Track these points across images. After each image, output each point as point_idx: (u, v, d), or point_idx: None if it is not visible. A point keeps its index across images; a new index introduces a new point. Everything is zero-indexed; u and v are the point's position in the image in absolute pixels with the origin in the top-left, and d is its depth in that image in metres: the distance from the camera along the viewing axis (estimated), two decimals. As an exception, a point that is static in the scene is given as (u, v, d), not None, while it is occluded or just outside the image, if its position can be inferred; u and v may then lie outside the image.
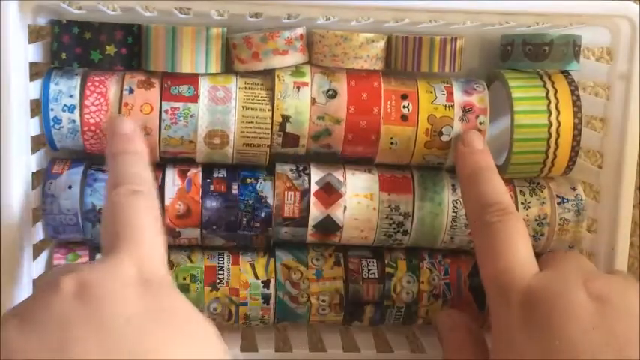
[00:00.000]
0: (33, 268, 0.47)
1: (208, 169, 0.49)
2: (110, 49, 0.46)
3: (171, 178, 0.48)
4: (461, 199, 0.49)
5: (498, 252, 0.41)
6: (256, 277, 0.49)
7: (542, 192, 0.50)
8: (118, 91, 0.47)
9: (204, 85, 0.47)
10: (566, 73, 0.49)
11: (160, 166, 0.48)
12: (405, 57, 0.48)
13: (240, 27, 0.49)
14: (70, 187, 0.47)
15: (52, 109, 0.46)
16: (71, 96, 0.47)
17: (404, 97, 0.48)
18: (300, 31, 0.48)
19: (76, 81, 0.47)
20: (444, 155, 0.49)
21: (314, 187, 0.48)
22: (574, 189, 0.50)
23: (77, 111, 0.47)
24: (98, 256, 0.49)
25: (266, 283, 0.49)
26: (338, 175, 0.49)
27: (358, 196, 0.49)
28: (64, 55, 0.46)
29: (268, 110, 0.47)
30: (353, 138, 0.48)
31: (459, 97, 0.48)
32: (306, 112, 0.47)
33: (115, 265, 0.35)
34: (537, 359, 0.37)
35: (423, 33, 0.48)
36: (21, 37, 0.44)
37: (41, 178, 0.48)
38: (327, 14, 0.48)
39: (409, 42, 0.47)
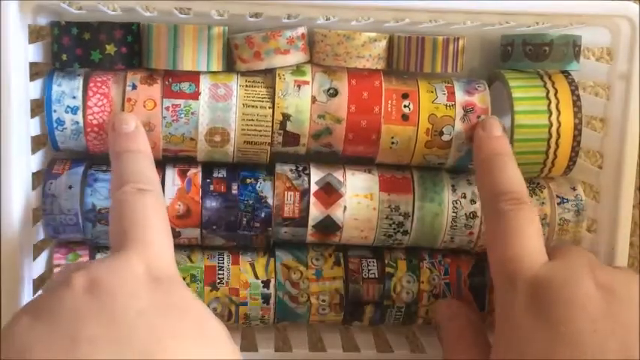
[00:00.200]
0: (33, 268, 0.47)
1: (208, 168, 0.49)
2: (110, 49, 0.46)
3: (171, 178, 0.48)
4: (461, 199, 0.49)
5: (509, 240, 0.41)
6: (256, 277, 0.49)
7: (542, 192, 0.50)
8: (120, 90, 0.47)
9: (205, 83, 0.47)
10: (566, 73, 0.49)
11: (160, 165, 0.48)
12: (408, 57, 0.48)
13: (241, 27, 0.49)
14: (70, 187, 0.47)
15: (54, 111, 0.46)
16: (74, 97, 0.47)
17: (405, 96, 0.48)
18: (301, 30, 0.48)
19: (79, 82, 0.47)
20: (444, 155, 0.49)
21: (314, 187, 0.48)
22: (574, 189, 0.50)
23: (80, 112, 0.47)
24: (98, 255, 0.49)
25: (266, 283, 0.49)
26: (338, 175, 0.49)
27: (358, 196, 0.49)
28: (64, 57, 0.46)
29: (269, 108, 0.47)
30: (353, 137, 0.48)
31: (460, 96, 0.48)
32: (307, 110, 0.47)
33: (125, 262, 0.36)
34: (543, 345, 0.37)
35: (424, 33, 0.48)
36: (21, 37, 0.44)
37: (41, 178, 0.48)
38: (327, 14, 0.48)
39: (412, 42, 0.47)
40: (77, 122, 0.47)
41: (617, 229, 0.48)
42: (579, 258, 0.41)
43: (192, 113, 0.47)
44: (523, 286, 0.39)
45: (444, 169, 0.51)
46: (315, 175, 0.49)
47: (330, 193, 0.48)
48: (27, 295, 0.46)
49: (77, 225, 0.47)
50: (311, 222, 0.48)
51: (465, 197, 0.49)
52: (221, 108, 0.47)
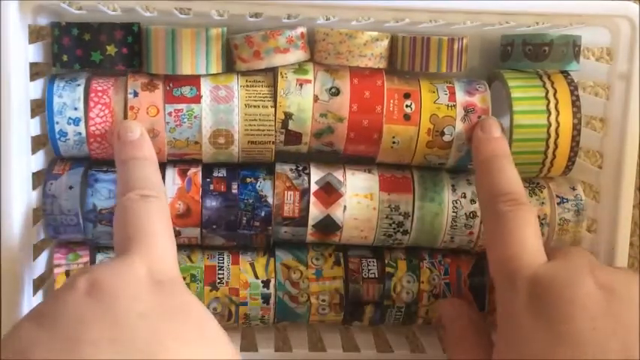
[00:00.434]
0: (33, 268, 0.47)
1: (208, 168, 0.49)
2: (111, 49, 0.46)
3: (171, 177, 0.48)
4: (461, 199, 0.49)
5: (507, 240, 0.42)
6: (256, 277, 0.49)
7: (541, 192, 0.50)
8: (121, 98, 0.47)
9: (206, 86, 0.47)
10: (565, 74, 0.49)
11: (160, 165, 0.48)
12: (413, 57, 0.48)
13: (241, 27, 0.49)
14: (70, 188, 0.47)
15: (57, 123, 0.46)
16: (75, 109, 0.46)
17: (406, 96, 0.48)
18: (301, 29, 0.48)
19: (79, 92, 0.47)
20: (445, 155, 0.49)
21: (314, 187, 0.48)
22: (574, 189, 0.50)
23: (82, 123, 0.46)
24: (98, 255, 0.49)
25: (266, 283, 0.49)
26: (338, 174, 0.49)
27: (358, 196, 0.49)
28: (65, 58, 0.46)
29: (271, 107, 0.47)
30: (355, 136, 0.48)
31: (461, 97, 0.48)
32: (309, 109, 0.47)
33: (127, 265, 0.36)
34: (543, 345, 0.37)
35: (423, 33, 0.48)
36: (21, 38, 0.44)
37: (41, 179, 0.48)
38: (327, 14, 0.48)
39: (417, 42, 0.47)
40: (80, 133, 0.47)
41: (617, 229, 0.48)
42: (579, 258, 0.41)
43: (195, 117, 0.47)
44: (523, 284, 0.39)
45: (444, 169, 0.51)
46: (315, 174, 0.49)
47: (330, 192, 0.48)
48: (27, 295, 0.46)
49: (78, 225, 0.47)
50: (311, 221, 0.48)
51: (465, 197, 0.49)
52: (223, 110, 0.47)
